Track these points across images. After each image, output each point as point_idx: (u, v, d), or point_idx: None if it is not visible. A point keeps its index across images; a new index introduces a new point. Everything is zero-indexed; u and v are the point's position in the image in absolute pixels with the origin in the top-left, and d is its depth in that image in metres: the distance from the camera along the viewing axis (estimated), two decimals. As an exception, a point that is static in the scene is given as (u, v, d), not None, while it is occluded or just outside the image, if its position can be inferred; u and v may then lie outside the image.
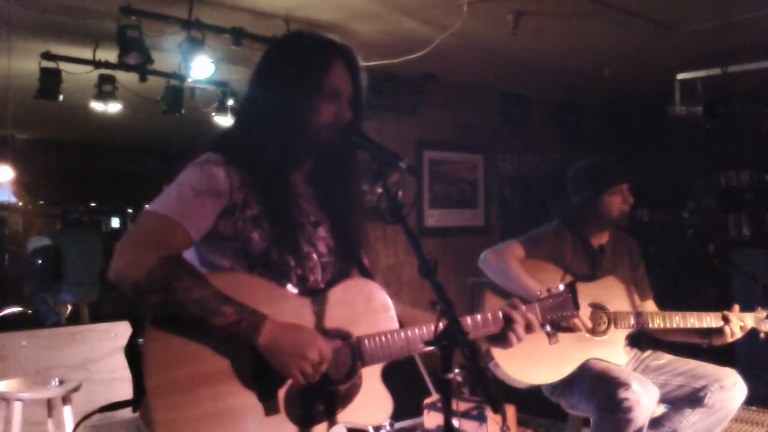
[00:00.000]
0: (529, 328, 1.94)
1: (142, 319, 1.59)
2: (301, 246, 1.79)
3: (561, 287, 2.08)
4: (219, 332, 1.56)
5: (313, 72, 1.75)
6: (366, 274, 1.87)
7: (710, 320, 2.86)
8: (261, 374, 1.62)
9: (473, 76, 5.97)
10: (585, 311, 2.80)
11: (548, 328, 2.06)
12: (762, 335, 2.90)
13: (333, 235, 1.87)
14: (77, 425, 1.95)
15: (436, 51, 4.58)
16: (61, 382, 3.50)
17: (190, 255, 1.71)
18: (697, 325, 2.85)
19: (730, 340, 2.84)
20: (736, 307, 2.86)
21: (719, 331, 2.83)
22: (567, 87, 6.42)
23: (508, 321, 1.92)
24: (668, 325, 2.87)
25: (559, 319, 2.06)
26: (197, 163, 1.70)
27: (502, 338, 1.94)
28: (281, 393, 1.66)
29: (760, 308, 2.90)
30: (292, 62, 1.77)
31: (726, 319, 2.81)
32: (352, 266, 1.89)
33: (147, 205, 1.66)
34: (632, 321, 2.89)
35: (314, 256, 1.82)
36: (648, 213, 6.84)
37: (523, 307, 1.95)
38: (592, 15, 4.31)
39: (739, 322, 2.81)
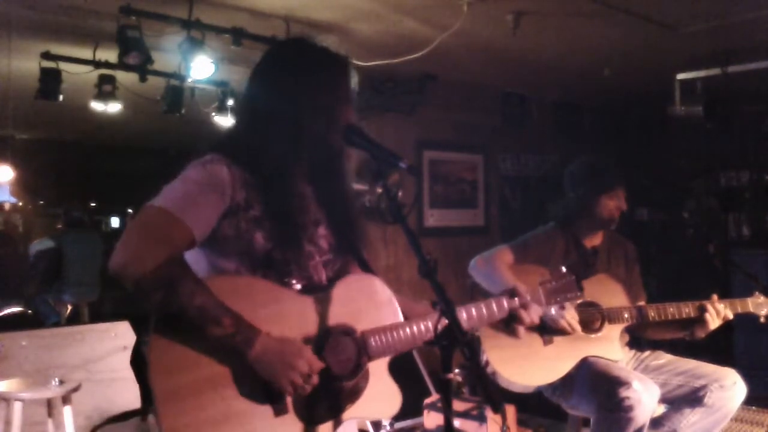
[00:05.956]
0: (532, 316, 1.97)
1: (146, 326, 1.59)
2: (304, 246, 1.80)
3: (563, 269, 2.08)
4: (213, 341, 1.57)
5: (341, 83, 1.80)
6: (367, 268, 1.88)
7: (689, 310, 2.85)
8: (264, 378, 1.62)
9: (473, 76, 5.97)
10: (571, 314, 2.80)
11: (553, 311, 2.06)
12: (762, 319, 2.89)
13: (332, 231, 1.88)
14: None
15: (436, 51, 4.58)
16: (61, 382, 3.50)
17: (198, 259, 1.72)
18: (692, 314, 2.84)
19: (710, 329, 2.81)
20: (715, 296, 2.86)
21: (700, 321, 2.82)
22: (567, 87, 6.42)
23: (513, 317, 1.96)
24: (663, 317, 2.86)
25: (562, 301, 2.06)
26: (200, 163, 1.71)
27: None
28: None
29: (756, 292, 2.90)
30: (317, 68, 1.80)
31: (703, 309, 2.81)
32: (352, 261, 1.91)
33: (150, 200, 1.65)
34: (626, 315, 2.89)
35: (316, 255, 1.83)
36: (648, 213, 6.85)
37: (528, 297, 1.97)
38: (592, 15, 4.31)
39: (715, 311, 2.79)
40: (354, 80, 1.83)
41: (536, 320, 1.99)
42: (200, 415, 1.56)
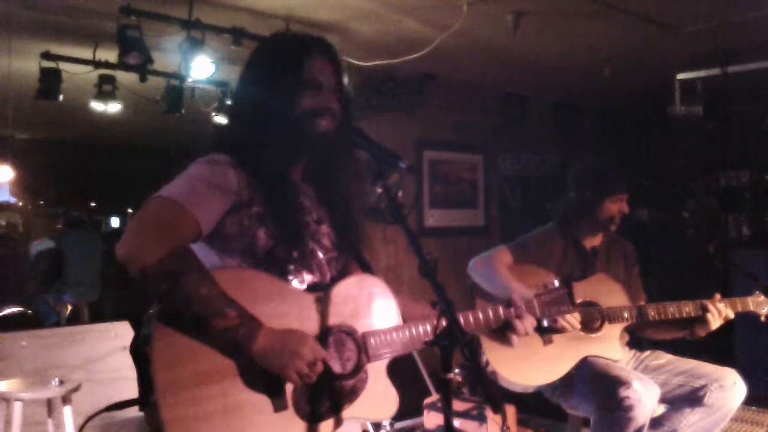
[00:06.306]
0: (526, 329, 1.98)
1: (145, 319, 1.60)
2: (307, 243, 1.81)
3: (556, 283, 2.10)
4: (217, 333, 1.57)
5: (290, 66, 1.77)
6: (367, 268, 1.88)
7: (689, 310, 2.85)
8: (268, 370, 1.63)
9: (473, 76, 5.96)
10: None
11: (545, 323, 2.07)
12: (762, 318, 2.90)
13: (334, 230, 1.88)
14: (85, 424, 1.95)
15: (436, 51, 4.58)
16: (61, 382, 3.50)
17: (202, 256, 1.72)
18: (693, 314, 2.85)
19: (711, 328, 2.82)
20: (717, 296, 2.86)
21: (700, 321, 2.83)
22: (567, 87, 6.42)
23: (507, 325, 1.97)
24: (663, 316, 2.86)
25: (555, 314, 2.07)
26: (206, 161, 1.72)
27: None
28: (289, 389, 1.67)
29: (757, 291, 2.91)
30: (271, 60, 1.82)
31: (704, 308, 2.81)
32: (353, 261, 1.91)
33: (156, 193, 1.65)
34: (625, 315, 2.89)
35: (319, 253, 1.83)
36: (648, 213, 6.85)
37: (523, 307, 1.97)
38: (592, 15, 4.31)
39: (716, 311, 2.80)
40: (318, 64, 1.79)
41: (530, 331, 2.00)
42: (200, 407, 1.57)
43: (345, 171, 1.86)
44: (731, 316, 2.84)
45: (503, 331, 2.01)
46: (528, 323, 1.99)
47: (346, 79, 1.86)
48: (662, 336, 3.03)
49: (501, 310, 1.97)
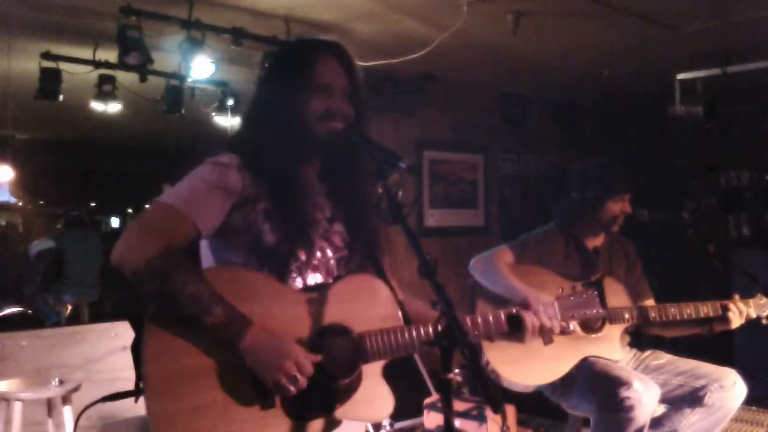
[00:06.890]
0: (543, 330, 1.96)
1: (143, 318, 1.61)
2: (314, 241, 1.80)
3: (583, 286, 2.09)
4: (207, 330, 1.59)
5: (300, 70, 1.78)
6: (380, 272, 1.85)
7: (708, 309, 2.85)
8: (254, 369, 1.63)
9: (473, 76, 5.96)
10: None
11: (571, 327, 2.06)
12: (764, 321, 2.89)
13: (349, 231, 1.88)
14: (81, 413, 1.96)
15: (436, 51, 4.58)
16: (61, 382, 3.50)
17: (207, 252, 1.75)
18: (693, 315, 2.84)
19: (732, 327, 2.81)
20: (737, 296, 2.85)
21: (719, 319, 2.82)
22: (567, 87, 6.42)
23: (519, 322, 1.94)
24: (664, 317, 2.86)
25: (583, 318, 2.07)
26: (213, 162, 1.73)
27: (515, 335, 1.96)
28: None
29: (759, 294, 2.91)
30: (283, 64, 1.84)
31: (726, 308, 2.81)
32: (369, 263, 1.89)
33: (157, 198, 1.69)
34: (626, 315, 2.88)
35: (328, 251, 1.83)
36: (648, 213, 6.85)
37: (540, 307, 1.96)
38: (592, 15, 4.31)
39: (738, 310, 2.80)
40: (329, 68, 1.79)
41: (557, 331, 1.98)
42: (187, 402, 1.58)
43: (360, 170, 1.85)
44: (753, 315, 2.84)
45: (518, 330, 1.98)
46: (556, 323, 1.98)
47: (361, 83, 1.86)
48: (679, 333, 3.01)
49: (516, 311, 1.95)
